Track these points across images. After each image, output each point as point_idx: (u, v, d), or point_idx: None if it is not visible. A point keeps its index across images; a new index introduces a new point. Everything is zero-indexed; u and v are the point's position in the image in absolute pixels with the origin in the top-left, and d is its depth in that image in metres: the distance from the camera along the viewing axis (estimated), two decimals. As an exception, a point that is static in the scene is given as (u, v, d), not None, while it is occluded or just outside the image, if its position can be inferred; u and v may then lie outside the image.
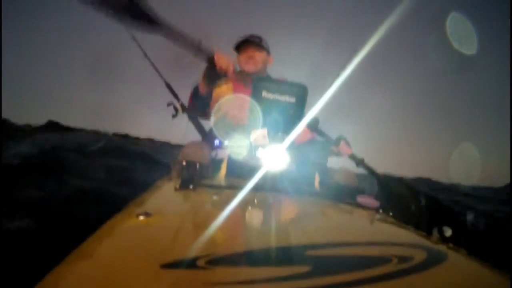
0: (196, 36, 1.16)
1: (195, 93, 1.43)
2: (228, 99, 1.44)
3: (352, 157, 1.29)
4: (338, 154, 1.33)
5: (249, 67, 1.47)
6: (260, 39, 1.50)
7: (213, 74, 1.23)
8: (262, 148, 1.02)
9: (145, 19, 1.08)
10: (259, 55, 1.48)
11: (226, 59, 1.20)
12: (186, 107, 1.56)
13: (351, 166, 1.30)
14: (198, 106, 1.45)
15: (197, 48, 1.15)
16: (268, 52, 1.52)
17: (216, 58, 1.19)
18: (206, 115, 1.52)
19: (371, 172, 1.22)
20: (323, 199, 1.02)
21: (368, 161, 1.29)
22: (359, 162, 1.26)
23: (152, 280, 0.36)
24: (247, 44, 1.47)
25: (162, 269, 0.38)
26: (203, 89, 1.34)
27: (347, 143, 1.31)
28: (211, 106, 1.47)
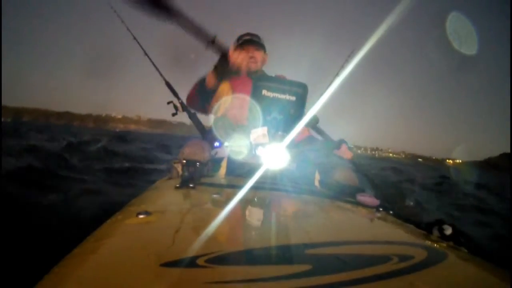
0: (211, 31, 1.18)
1: (200, 85, 1.42)
2: (228, 99, 1.44)
3: (352, 161, 1.29)
4: (339, 157, 1.33)
5: (250, 66, 1.48)
6: (258, 38, 1.50)
7: (225, 69, 1.24)
8: (262, 147, 1.01)
9: (163, 6, 1.09)
10: (258, 54, 1.49)
11: (241, 55, 1.21)
12: (186, 100, 1.55)
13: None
14: (200, 99, 1.44)
15: (211, 42, 1.16)
16: (265, 51, 1.53)
17: (231, 53, 1.20)
18: (205, 110, 1.52)
19: (367, 176, 1.24)
20: (323, 198, 1.02)
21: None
22: (358, 167, 1.27)
23: (152, 279, 0.36)
24: (248, 43, 1.47)
25: (162, 268, 0.38)
26: (210, 82, 1.33)
27: (348, 147, 1.31)
28: (211, 103, 1.47)
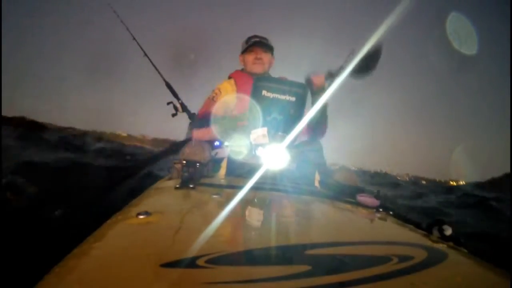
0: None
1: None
2: (228, 99, 1.44)
3: (327, 75, 1.25)
4: (320, 87, 1.26)
5: (257, 68, 1.48)
6: (267, 40, 1.50)
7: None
8: (262, 147, 1.01)
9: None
10: (266, 56, 1.49)
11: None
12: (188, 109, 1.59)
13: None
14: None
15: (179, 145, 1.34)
16: (272, 53, 1.53)
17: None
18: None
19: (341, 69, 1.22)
20: (323, 198, 1.02)
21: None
22: (331, 74, 1.24)
23: (152, 279, 0.36)
24: (256, 45, 1.47)
25: (162, 268, 0.38)
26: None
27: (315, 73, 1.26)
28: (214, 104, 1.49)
